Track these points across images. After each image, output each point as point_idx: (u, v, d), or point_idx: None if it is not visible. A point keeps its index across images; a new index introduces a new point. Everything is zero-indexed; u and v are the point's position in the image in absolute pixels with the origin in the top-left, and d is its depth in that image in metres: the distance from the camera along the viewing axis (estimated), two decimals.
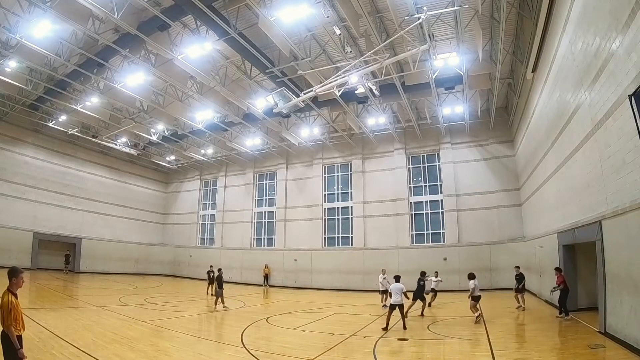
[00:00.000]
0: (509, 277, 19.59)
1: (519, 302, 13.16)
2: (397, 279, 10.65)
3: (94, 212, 28.51)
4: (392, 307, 9.88)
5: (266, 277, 24.93)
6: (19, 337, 4.09)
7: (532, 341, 7.93)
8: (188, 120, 21.70)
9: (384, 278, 15.09)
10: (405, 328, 9.65)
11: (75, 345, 6.93)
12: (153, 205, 33.79)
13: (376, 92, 17.29)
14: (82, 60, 16.11)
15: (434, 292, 15.00)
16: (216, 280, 13.99)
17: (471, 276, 11.43)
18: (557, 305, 11.01)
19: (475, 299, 11.10)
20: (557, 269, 11.02)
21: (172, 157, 30.64)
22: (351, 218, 24.94)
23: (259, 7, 12.22)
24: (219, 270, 14.40)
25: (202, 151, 28.42)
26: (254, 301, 17.82)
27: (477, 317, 10.79)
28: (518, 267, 13.91)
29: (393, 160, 24.30)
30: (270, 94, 14.33)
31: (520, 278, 13.32)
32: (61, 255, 25.02)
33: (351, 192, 25.41)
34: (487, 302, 15.60)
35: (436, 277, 15.00)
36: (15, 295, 4.12)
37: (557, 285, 10.65)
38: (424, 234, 22.84)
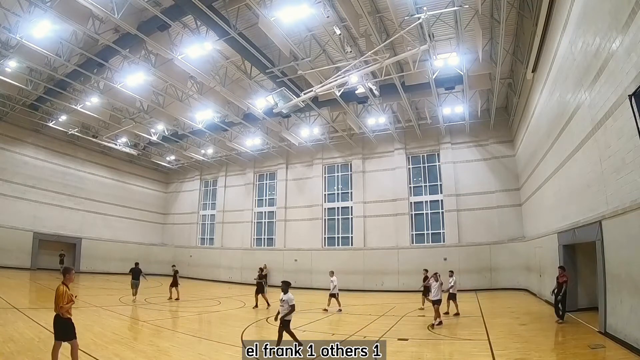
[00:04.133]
0: (509, 277, 19.71)
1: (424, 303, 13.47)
2: (286, 287, 7.19)
3: (94, 212, 28.50)
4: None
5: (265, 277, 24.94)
6: (70, 320, 5.40)
7: (532, 341, 7.92)
8: (188, 120, 21.70)
9: (332, 281, 14.24)
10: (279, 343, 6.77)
11: None
12: (153, 205, 33.78)
13: (376, 92, 17.29)
14: (82, 60, 16.11)
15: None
16: (131, 272, 15.06)
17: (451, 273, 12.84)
18: (555, 305, 10.22)
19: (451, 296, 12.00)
20: (561, 268, 10.33)
21: (172, 157, 30.65)
22: (351, 218, 24.93)
23: (259, 7, 12.22)
24: (137, 263, 15.63)
25: (202, 151, 28.42)
26: (254, 301, 17.77)
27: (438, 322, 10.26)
28: (426, 271, 13.52)
29: (393, 160, 24.30)
30: (270, 94, 14.35)
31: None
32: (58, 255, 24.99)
33: (351, 192, 25.40)
34: (487, 302, 15.61)
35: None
36: (68, 287, 5.39)
37: (557, 288, 9.98)
38: (424, 234, 22.84)
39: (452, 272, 13.03)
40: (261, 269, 17.77)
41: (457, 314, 12.07)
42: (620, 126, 6.96)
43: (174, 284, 16.03)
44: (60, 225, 25.92)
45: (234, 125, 23.04)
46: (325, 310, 13.67)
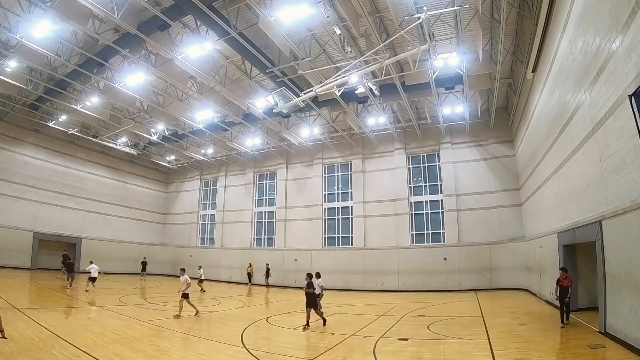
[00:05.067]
0: (509, 277, 19.71)
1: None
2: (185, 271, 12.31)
3: (94, 212, 28.52)
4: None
5: (249, 275, 25.63)
6: None
7: (532, 341, 7.92)
8: (188, 120, 21.71)
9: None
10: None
11: (75, 345, 6.93)
12: (153, 205, 33.79)
13: (376, 92, 17.30)
14: (82, 60, 16.12)
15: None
16: (67, 265, 18.95)
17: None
18: (561, 308, 9.61)
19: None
20: (563, 269, 9.86)
21: (172, 157, 30.66)
22: (351, 218, 24.94)
23: (259, 7, 12.22)
24: (68, 257, 20.76)
25: (202, 151, 28.44)
26: (254, 301, 17.82)
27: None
28: (310, 275, 11.88)
29: (393, 160, 24.31)
30: (270, 93, 14.34)
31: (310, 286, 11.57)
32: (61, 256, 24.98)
33: (351, 192, 25.41)
34: (487, 302, 15.62)
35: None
36: None
37: (564, 291, 9.48)
38: (424, 234, 22.85)
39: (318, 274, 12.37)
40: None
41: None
42: (620, 126, 6.96)
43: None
44: (60, 225, 25.93)
45: (234, 125, 23.05)
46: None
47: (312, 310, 10.39)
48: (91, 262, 17.39)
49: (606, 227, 8.01)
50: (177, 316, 11.22)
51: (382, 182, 24.33)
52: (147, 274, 27.11)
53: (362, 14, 12.22)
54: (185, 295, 11.61)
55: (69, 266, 18.34)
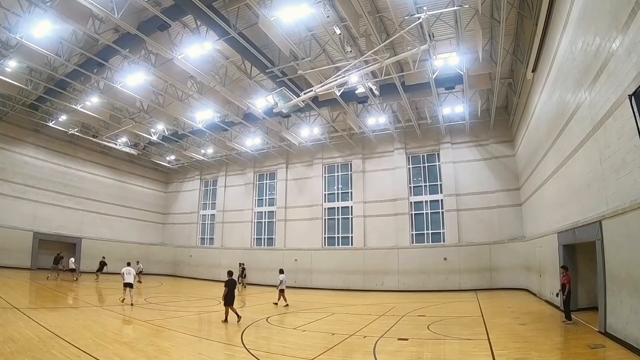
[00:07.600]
0: (509, 277, 19.73)
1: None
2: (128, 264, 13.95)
3: (94, 212, 28.52)
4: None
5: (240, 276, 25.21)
6: None
7: (532, 341, 7.92)
8: (188, 120, 21.71)
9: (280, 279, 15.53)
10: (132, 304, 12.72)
11: (75, 345, 6.93)
12: (153, 205, 33.80)
13: (376, 92, 17.31)
14: (82, 60, 16.11)
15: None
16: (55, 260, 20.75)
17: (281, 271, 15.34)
18: (560, 307, 10.14)
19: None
20: (563, 267, 10.21)
21: (172, 157, 30.66)
22: (351, 218, 24.95)
23: (259, 7, 12.22)
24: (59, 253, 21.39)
25: (202, 151, 28.44)
26: (254, 301, 17.81)
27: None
28: (230, 273, 12.02)
29: (393, 160, 24.31)
30: (270, 93, 14.33)
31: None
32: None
33: (351, 192, 25.41)
34: (487, 302, 15.63)
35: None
36: None
37: (560, 289, 9.92)
38: (424, 233, 22.85)
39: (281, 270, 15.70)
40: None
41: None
42: (620, 126, 6.96)
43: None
44: (60, 225, 25.94)
45: (234, 125, 23.05)
46: (275, 304, 14.90)
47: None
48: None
49: (606, 227, 8.01)
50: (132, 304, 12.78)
51: (382, 182, 24.33)
52: (147, 274, 26.95)
53: (362, 14, 12.22)
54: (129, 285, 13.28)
55: (55, 260, 20.24)
